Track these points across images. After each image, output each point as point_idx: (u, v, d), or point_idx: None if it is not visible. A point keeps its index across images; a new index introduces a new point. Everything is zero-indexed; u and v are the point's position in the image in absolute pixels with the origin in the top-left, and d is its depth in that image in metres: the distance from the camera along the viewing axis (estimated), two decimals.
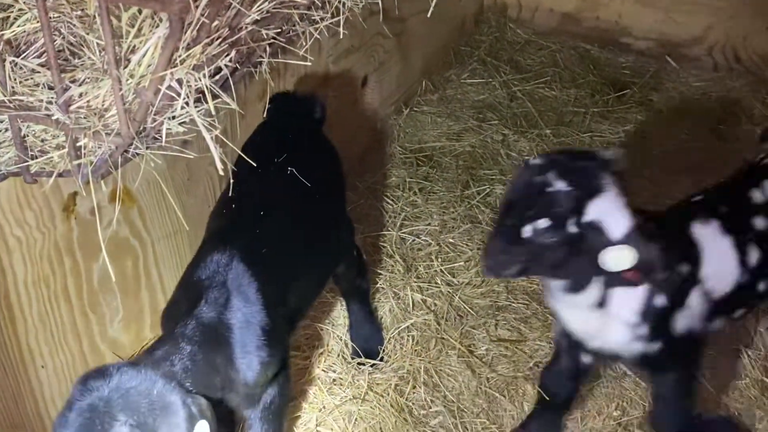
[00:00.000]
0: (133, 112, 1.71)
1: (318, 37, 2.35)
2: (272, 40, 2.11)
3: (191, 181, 2.94)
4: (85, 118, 1.79)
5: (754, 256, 2.49)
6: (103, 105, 1.78)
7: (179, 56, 1.63)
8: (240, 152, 2.30)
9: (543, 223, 2.14)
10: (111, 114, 1.77)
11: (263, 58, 2.13)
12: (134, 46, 1.75)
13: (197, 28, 1.62)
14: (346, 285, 3.10)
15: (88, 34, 1.82)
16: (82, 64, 1.88)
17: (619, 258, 2.14)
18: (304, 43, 2.48)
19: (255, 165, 2.45)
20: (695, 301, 2.43)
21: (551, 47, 4.61)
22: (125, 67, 1.74)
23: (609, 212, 2.14)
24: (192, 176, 2.93)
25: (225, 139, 1.92)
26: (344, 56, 3.70)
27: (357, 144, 3.97)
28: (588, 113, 4.21)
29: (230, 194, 2.53)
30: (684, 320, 2.42)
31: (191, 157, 2.01)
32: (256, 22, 1.86)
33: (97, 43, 1.86)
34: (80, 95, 1.80)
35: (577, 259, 2.19)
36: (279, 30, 2.11)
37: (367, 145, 4.04)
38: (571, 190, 2.14)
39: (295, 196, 2.60)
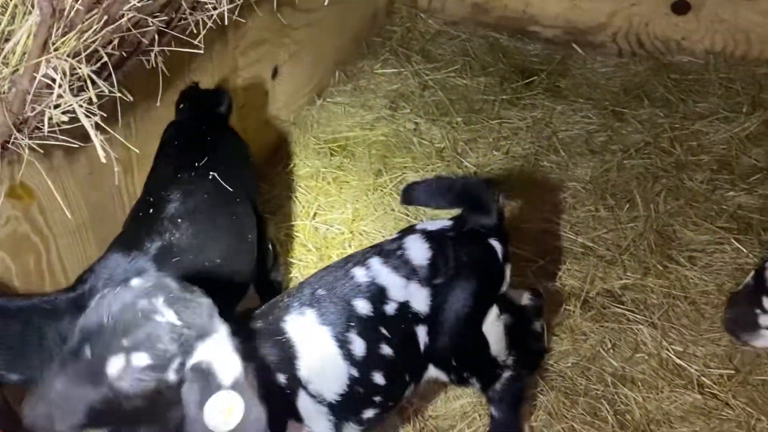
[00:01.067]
0: (9, 101, 1.69)
1: (212, 26, 2.34)
2: (162, 29, 2.10)
3: (93, 176, 2.90)
4: None
5: (359, 346, 2.23)
6: None
7: (53, 43, 1.62)
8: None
9: (141, 359, 1.70)
10: None
11: (153, 47, 2.11)
12: (10, 33, 1.72)
13: (72, 14, 1.61)
14: (260, 278, 3.10)
15: None
16: None
17: (227, 407, 1.77)
18: (201, 32, 2.47)
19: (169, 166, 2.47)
20: (306, 411, 2.17)
21: (461, 36, 4.67)
22: None
23: (220, 356, 1.79)
24: (94, 170, 2.89)
25: (107, 127, 1.89)
26: (253, 48, 3.69)
27: (269, 135, 3.97)
28: (497, 101, 4.29)
29: (145, 197, 2.57)
30: None
31: (75, 146, 1.98)
32: (139, 9, 1.85)
33: None
34: None
35: (165, 416, 1.79)
36: (169, 19, 2.10)
37: (280, 137, 4.05)
38: (182, 326, 1.76)
39: (208, 193, 2.61)
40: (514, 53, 4.60)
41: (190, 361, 1.77)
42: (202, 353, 1.78)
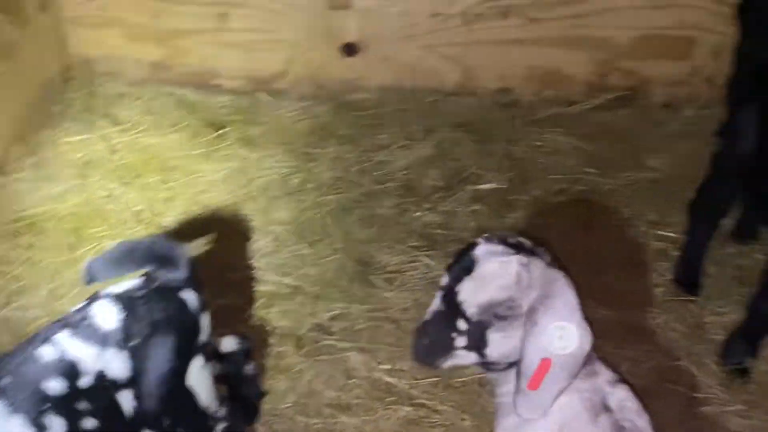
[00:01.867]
0: None
1: None
2: None
3: None
4: None
5: (58, 426, 2.15)
6: None
7: None
8: None
9: None
10: None
11: None
12: None
13: None
14: None
15: None
16: None
17: None
18: None
19: None
20: None
21: (146, 96, 4.62)
22: None
23: None
24: None
25: None
26: None
27: None
28: (191, 156, 4.30)
29: None
30: None
31: None
32: None
33: None
34: None
35: None
36: None
37: None
38: None
39: None
40: (202, 107, 4.62)
41: None
42: None
